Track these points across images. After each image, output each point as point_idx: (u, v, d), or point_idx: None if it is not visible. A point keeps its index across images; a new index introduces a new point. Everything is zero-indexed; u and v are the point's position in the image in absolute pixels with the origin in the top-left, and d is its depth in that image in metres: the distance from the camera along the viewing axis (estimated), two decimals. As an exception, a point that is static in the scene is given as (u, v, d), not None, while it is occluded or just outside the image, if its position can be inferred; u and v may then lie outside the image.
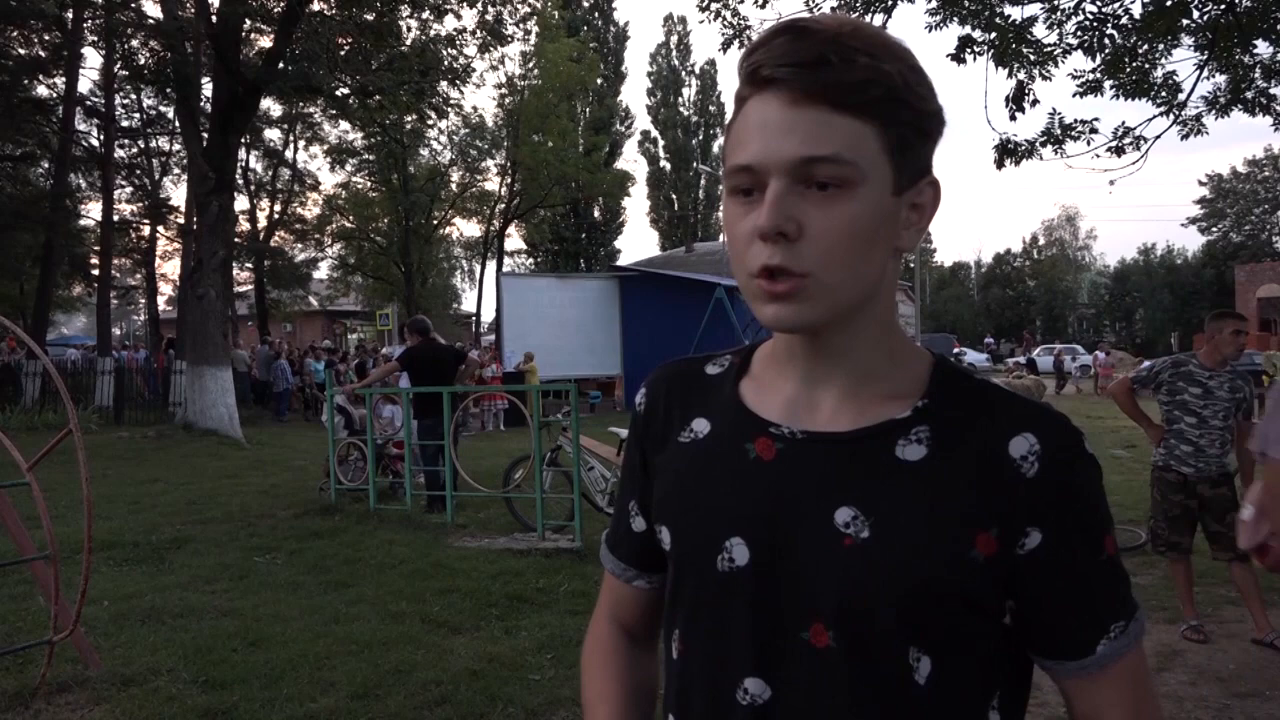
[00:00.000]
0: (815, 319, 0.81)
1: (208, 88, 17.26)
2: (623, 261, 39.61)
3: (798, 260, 0.79)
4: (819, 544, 0.83)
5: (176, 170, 29.18)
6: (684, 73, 51.76)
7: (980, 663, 0.85)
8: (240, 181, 27.98)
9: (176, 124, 23.46)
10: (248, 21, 15.63)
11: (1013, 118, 7.85)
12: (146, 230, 29.18)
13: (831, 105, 0.78)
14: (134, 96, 25.78)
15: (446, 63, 17.30)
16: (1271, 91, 7.94)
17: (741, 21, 8.05)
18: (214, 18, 14.36)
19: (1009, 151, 8.16)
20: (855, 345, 0.86)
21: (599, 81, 38.28)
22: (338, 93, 17.23)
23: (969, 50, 7.68)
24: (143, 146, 28.26)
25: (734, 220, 0.83)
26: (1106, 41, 7.58)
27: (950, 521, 0.81)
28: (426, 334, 8.88)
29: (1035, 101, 7.79)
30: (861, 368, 0.87)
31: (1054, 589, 0.83)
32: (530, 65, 31.47)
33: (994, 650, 0.86)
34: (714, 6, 8.02)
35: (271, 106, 26.70)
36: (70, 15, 18.75)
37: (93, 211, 28.30)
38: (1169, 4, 7.03)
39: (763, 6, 7.96)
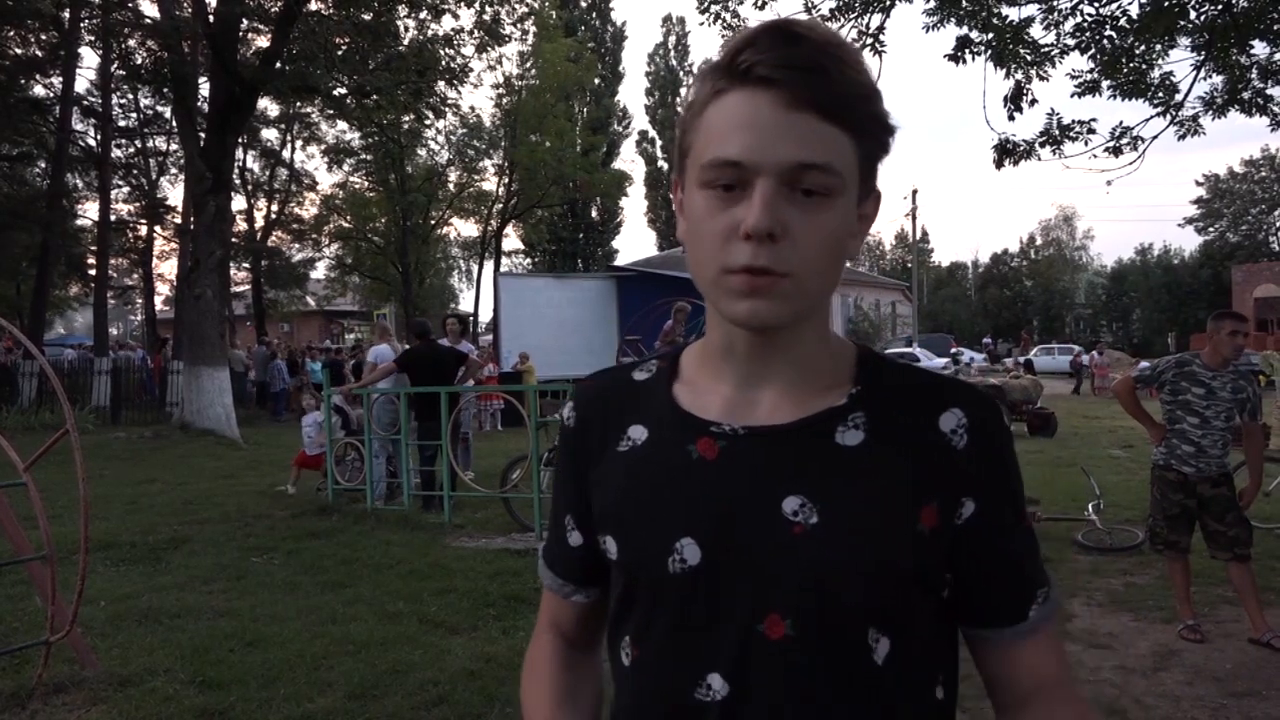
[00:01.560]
0: (788, 317, 0.83)
1: (205, 87, 17.28)
2: (620, 261, 39.59)
3: (780, 262, 0.80)
4: (769, 535, 0.84)
5: (174, 170, 29.18)
6: (682, 73, 51.76)
7: (928, 639, 0.88)
8: (237, 181, 27.95)
9: (174, 124, 23.46)
10: (245, 21, 15.61)
11: (1011, 118, 7.85)
12: (143, 230, 29.16)
13: (821, 113, 0.79)
14: (131, 96, 25.75)
15: (444, 63, 17.29)
16: (1268, 92, 7.95)
17: (741, 24, 8.04)
18: (211, 17, 14.33)
19: (1008, 151, 8.15)
20: (798, 343, 0.89)
21: (596, 81, 38.30)
22: (335, 92, 17.21)
23: (967, 50, 7.68)
24: (140, 146, 28.24)
25: (709, 214, 0.83)
26: (1104, 42, 7.58)
27: (895, 500, 0.84)
28: (426, 335, 8.89)
29: (1034, 101, 7.79)
30: (802, 364, 0.90)
31: (989, 557, 0.89)
32: (528, 65, 31.48)
33: (936, 626, 0.89)
34: (713, 9, 8.01)
35: (269, 106, 26.69)
36: (67, 15, 18.71)
37: (89, 211, 28.39)
38: (1166, 5, 7.03)
39: (762, 8, 7.93)
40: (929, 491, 0.85)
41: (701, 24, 8.27)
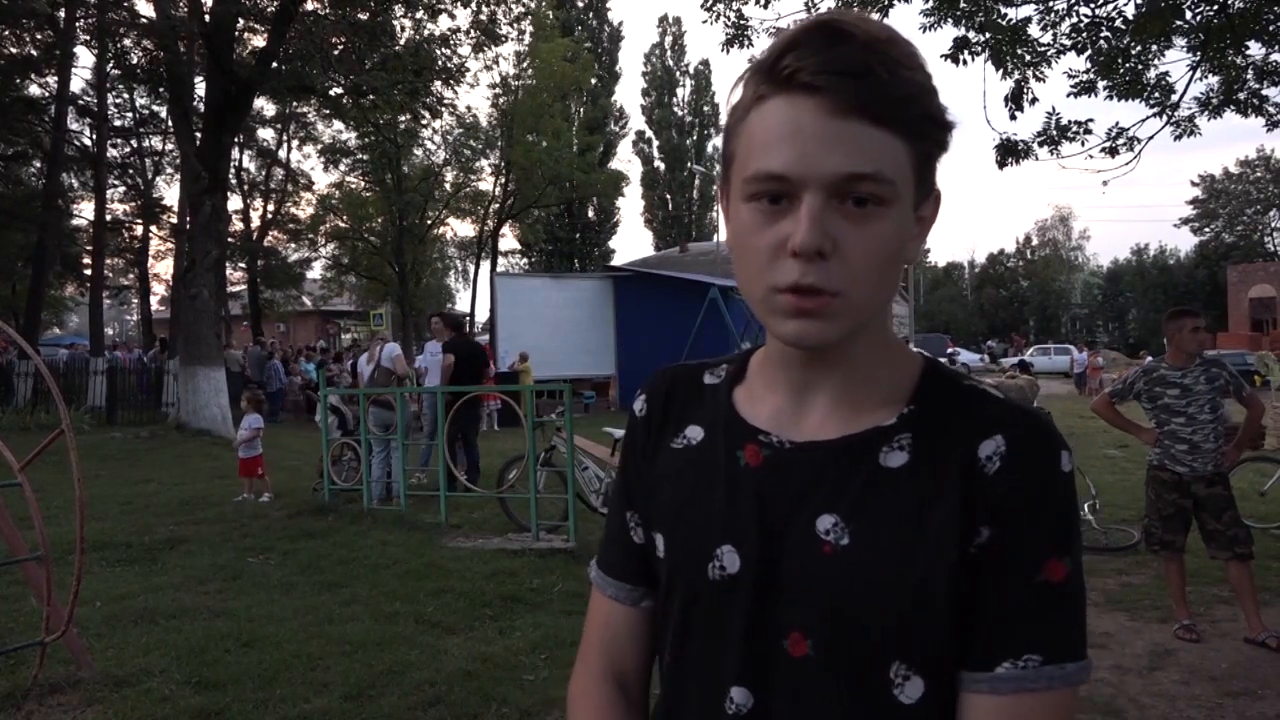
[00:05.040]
0: (839, 336, 0.79)
1: (201, 87, 17.24)
2: (617, 261, 39.61)
3: (830, 279, 0.76)
4: (801, 552, 0.82)
5: (169, 170, 29.17)
6: (678, 73, 51.82)
7: None
8: (233, 181, 27.93)
9: (169, 123, 23.42)
10: (241, 21, 15.58)
11: (1013, 117, 7.86)
12: (139, 230, 29.13)
13: (870, 119, 0.75)
14: (126, 96, 25.72)
15: (440, 62, 17.28)
16: (1264, 92, 7.97)
17: (743, 22, 8.04)
18: (207, 17, 14.31)
19: (1010, 151, 8.15)
20: (852, 354, 0.85)
21: (593, 82, 38.29)
22: (331, 92, 17.20)
23: (965, 51, 7.68)
24: (135, 146, 28.21)
25: (754, 229, 0.79)
26: (1101, 43, 7.60)
27: (929, 528, 0.79)
28: (461, 329, 9.05)
29: (1034, 100, 7.80)
30: (855, 376, 0.86)
31: (982, 590, 0.79)
32: (524, 65, 31.48)
33: None
34: (717, 8, 8.01)
35: (265, 106, 26.68)
36: (62, 14, 18.68)
37: (85, 211, 28.29)
38: (1162, 5, 7.04)
39: (765, 6, 7.93)
40: (959, 520, 0.79)
41: (705, 22, 8.27)
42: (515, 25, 20.79)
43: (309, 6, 15.43)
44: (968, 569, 0.79)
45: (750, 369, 0.96)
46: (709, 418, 0.94)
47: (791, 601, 0.82)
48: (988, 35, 7.61)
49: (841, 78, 0.74)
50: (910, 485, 0.81)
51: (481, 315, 37.77)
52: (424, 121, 22.00)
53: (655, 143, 51.02)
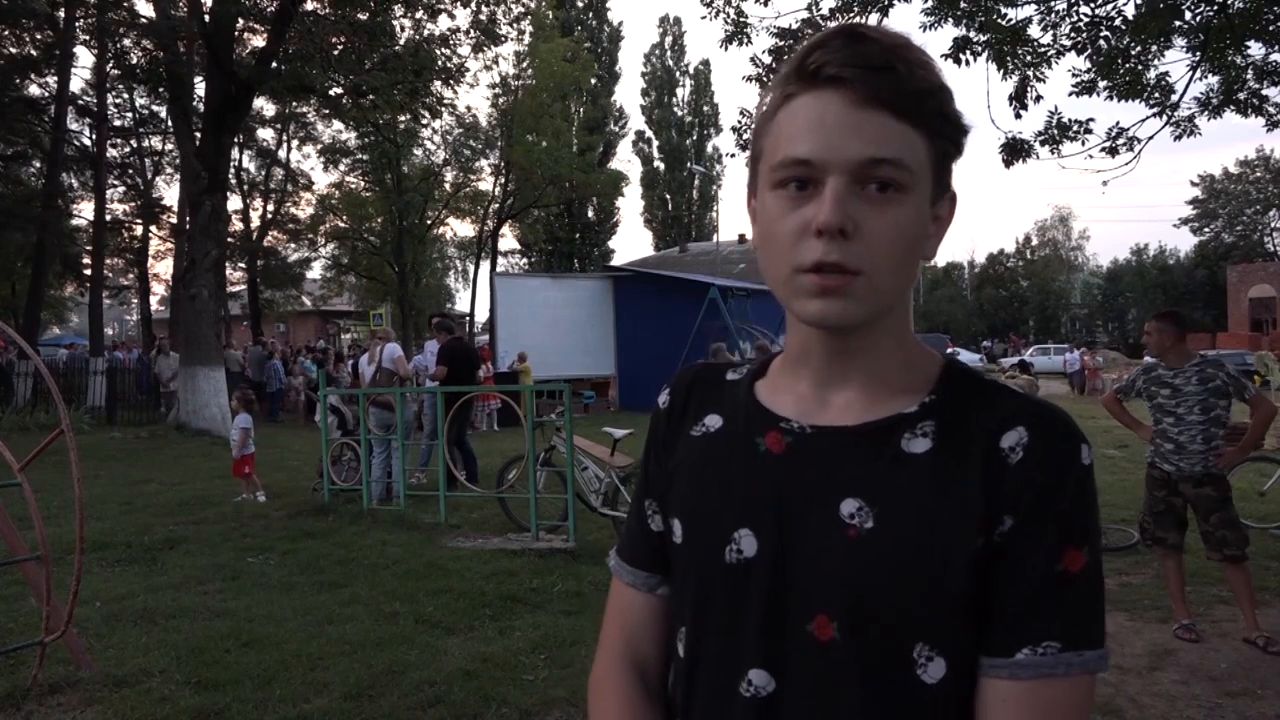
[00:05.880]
0: (860, 318, 0.83)
1: (201, 87, 17.24)
2: (617, 261, 39.67)
3: (852, 258, 0.80)
4: (824, 535, 0.84)
5: (169, 170, 29.13)
6: (678, 73, 51.84)
7: None
8: (233, 181, 27.92)
9: (169, 123, 23.42)
10: (241, 21, 15.60)
11: (1018, 116, 7.87)
12: (139, 230, 29.12)
13: (892, 111, 0.80)
14: (126, 96, 25.70)
15: (440, 62, 17.29)
16: (1263, 92, 7.97)
17: (743, 19, 8.04)
18: (207, 17, 14.32)
19: (1016, 150, 8.15)
20: (872, 348, 0.88)
21: (593, 81, 38.31)
22: (331, 92, 17.20)
23: (966, 50, 7.68)
24: (135, 146, 28.19)
25: (781, 214, 0.83)
26: (1101, 43, 7.60)
27: (952, 513, 0.82)
28: (452, 331, 9.09)
29: (1039, 98, 7.80)
30: (875, 370, 0.89)
31: (1003, 577, 0.81)
32: (524, 65, 31.48)
33: None
34: (716, 3, 8.02)
35: (264, 106, 26.68)
36: (62, 14, 18.68)
37: (85, 211, 28.30)
38: (1161, 5, 7.04)
39: (765, 4, 7.95)
40: (982, 509, 0.81)
41: (704, 18, 8.31)
42: (515, 25, 20.80)
43: (309, 6, 15.44)
44: (990, 556, 0.81)
45: (772, 366, 0.99)
46: (729, 408, 0.98)
47: (814, 585, 0.84)
48: (988, 35, 7.61)
49: (865, 71, 0.80)
50: (933, 471, 0.84)
51: (481, 315, 37.83)
52: (424, 121, 22.03)
53: (655, 143, 51.05)
